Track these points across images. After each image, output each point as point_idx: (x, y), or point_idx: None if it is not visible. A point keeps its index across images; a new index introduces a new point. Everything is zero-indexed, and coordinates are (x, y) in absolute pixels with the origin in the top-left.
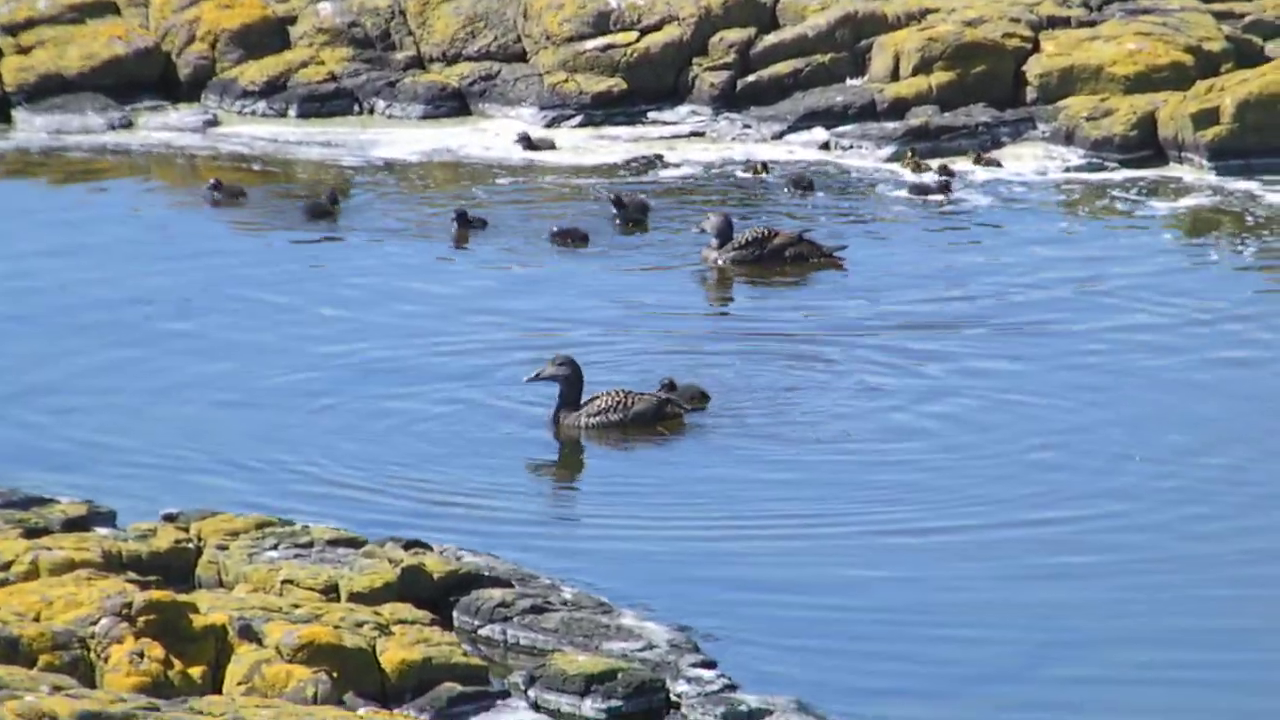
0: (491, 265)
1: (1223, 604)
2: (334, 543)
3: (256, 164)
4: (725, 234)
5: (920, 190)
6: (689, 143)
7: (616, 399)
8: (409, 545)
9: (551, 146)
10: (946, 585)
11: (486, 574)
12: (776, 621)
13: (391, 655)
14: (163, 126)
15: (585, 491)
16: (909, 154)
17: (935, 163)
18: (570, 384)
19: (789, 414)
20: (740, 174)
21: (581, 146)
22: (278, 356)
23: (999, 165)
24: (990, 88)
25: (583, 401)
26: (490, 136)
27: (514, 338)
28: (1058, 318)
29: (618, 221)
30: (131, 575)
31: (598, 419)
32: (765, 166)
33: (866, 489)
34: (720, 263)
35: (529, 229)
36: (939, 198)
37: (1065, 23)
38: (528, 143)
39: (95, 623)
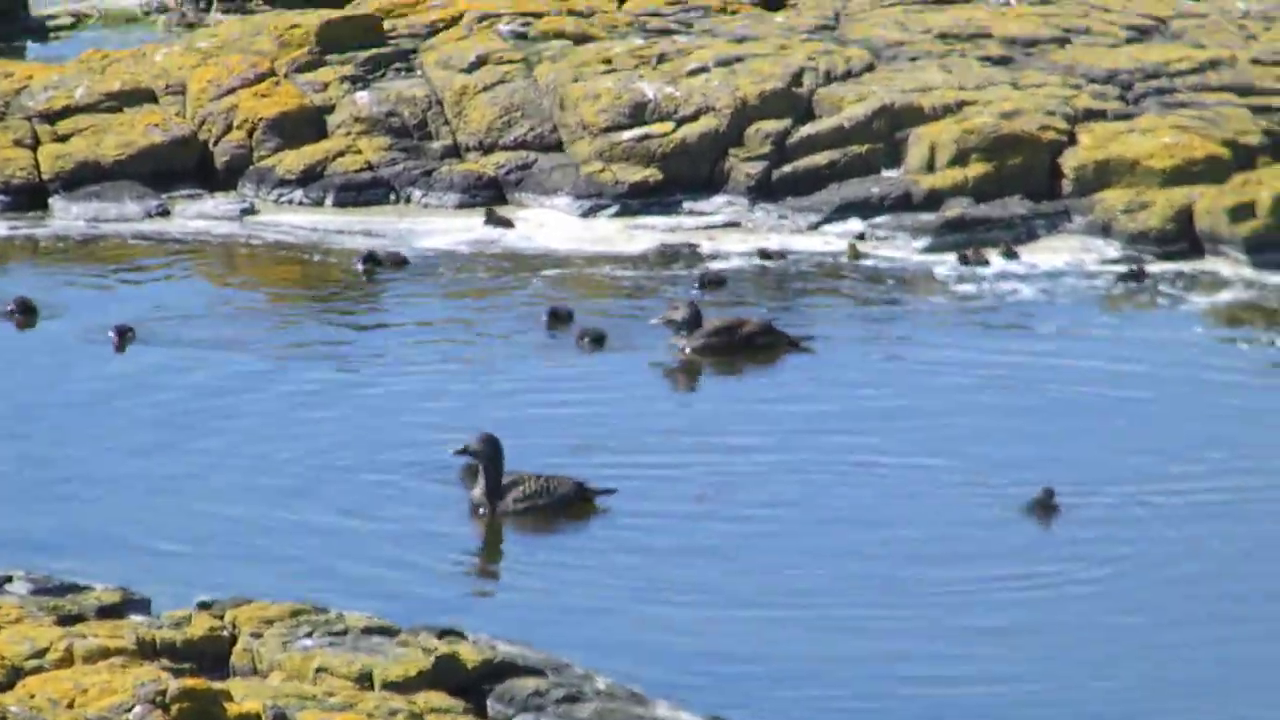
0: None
1: None
2: (368, 630)
3: (305, 252)
4: (695, 323)
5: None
6: (725, 233)
7: (539, 484)
8: (443, 633)
9: (509, 224)
10: (989, 670)
11: (520, 663)
12: (814, 712)
13: None
14: (199, 215)
15: (613, 578)
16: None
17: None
18: (492, 461)
19: (793, 499)
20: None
21: (608, 234)
22: (319, 440)
23: (1015, 256)
24: (1026, 180)
25: (505, 484)
26: (531, 227)
27: (555, 441)
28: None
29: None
30: (165, 663)
31: (524, 505)
32: (774, 255)
33: (892, 573)
34: (688, 350)
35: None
36: (970, 289)
37: (1101, 115)
38: (492, 218)
39: (129, 710)
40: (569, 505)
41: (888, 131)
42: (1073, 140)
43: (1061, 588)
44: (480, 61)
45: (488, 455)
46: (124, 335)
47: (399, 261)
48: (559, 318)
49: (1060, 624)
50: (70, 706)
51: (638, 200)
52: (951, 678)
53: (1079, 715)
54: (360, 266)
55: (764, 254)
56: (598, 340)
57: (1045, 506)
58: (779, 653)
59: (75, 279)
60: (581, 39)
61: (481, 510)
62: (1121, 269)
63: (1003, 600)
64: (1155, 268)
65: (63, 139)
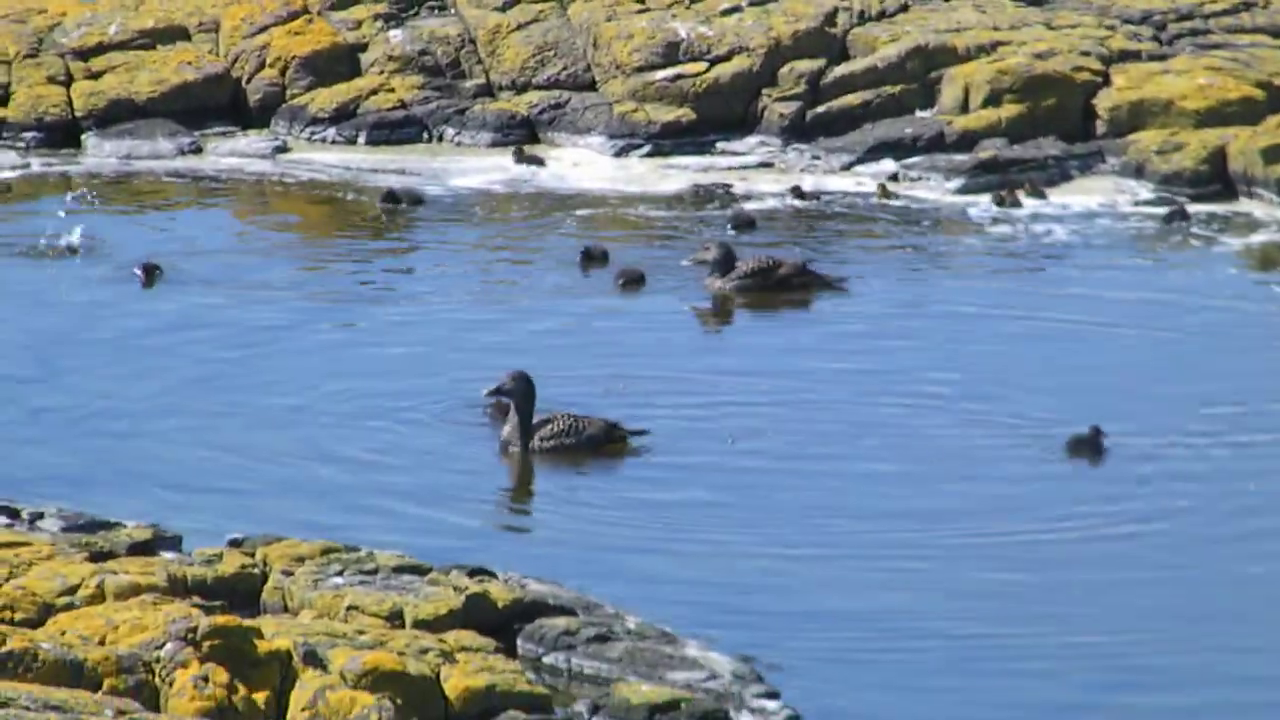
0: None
1: None
2: (399, 569)
3: (338, 190)
4: (728, 264)
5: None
6: (758, 173)
7: (568, 423)
8: (474, 573)
9: (541, 163)
10: (1013, 619)
11: (551, 602)
12: (842, 652)
13: (455, 683)
14: (231, 152)
15: (644, 517)
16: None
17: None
18: (524, 399)
19: (828, 440)
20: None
21: (641, 173)
22: (350, 379)
23: (1043, 197)
24: (1060, 121)
25: (535, 423)
26: (564, 166)
27: (586, 369)
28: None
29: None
30: (197, 600)
31: (551, 443)
32: (808, 195)
33: (923, 516)
34: (725, 290)
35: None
36: (1004, 230)
37: (1136, 56)
38: (522, 156)
39: (160, 647)
40: (600, 445)
41: (921, 72)
42: (1106, 81)
43: (1102, 530)
44: (514, 0)
45: (520, 393)
46: (150, 272)
47: (417, 200)
48: (593, 257)
49: (1108, 567)
50: (101, 643)
51: (670, 140)
52: (980, 620)
53: (1123, 662)
54: (380, 205)
55: (798, 193)
56: (637, 281)
57: (1093, 445)
58: (808, 596)
59: (108, 216)
60: None
61: (512, 448)
62: (1159, 210)
63: (1042, 546)
64: (1190, 209)
65: (95, 76)
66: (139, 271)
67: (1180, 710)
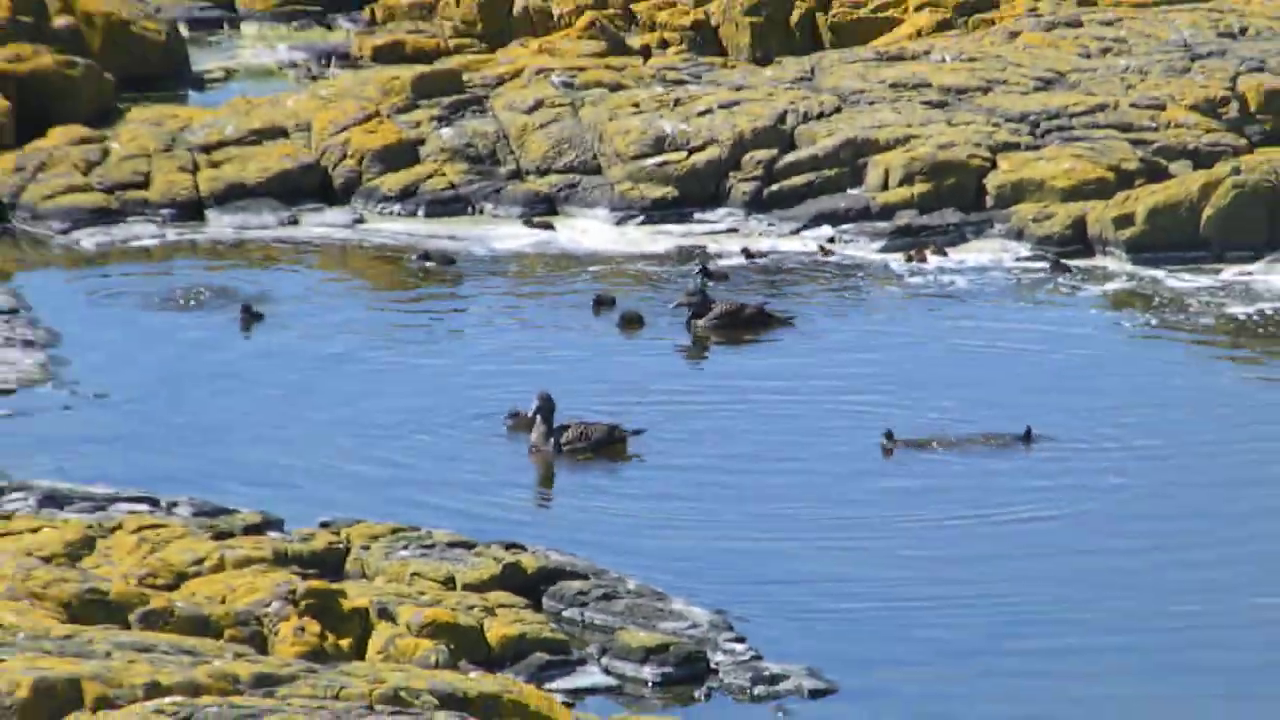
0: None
1: None
2: (451, 544)
3: (401, 253)
4: (704, 307)
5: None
6: (727, 237)
7: (580, 429)
8: (509, 546)
9: (550, 227)
10: (938, 578)
11: (569, 569)
12: (797, 607)
13: (495, 631)
14: (320, 224)
15: (642, 503)
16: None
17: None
18: (548, 411)
19: (788, 440)
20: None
21: (636, 240)
22: (401, 398)
23: (945, 255)
24: (959, 196)
25: (555, 428)
26: (577, 233)
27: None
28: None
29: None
30: (295, 569)
31: (568, 446)
32: (755, 254)
33: (867, 501)
34: (703, 327)
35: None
36: (918, 280)
37: (1016, 147)
38: (531, 222)
39: (268, 605)
40: (606, 445)
41: (852, 159)
42: (994, 165)
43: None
44: (537, 105)
45: (544, 408)
46: (249, 315)
47: (448, 260)
48: (602, 302)
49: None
50: (222, 602)
51: (659, 212)
52: (912, 584)
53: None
54: (414, 263)
55: (747, 253)
56: (636, 321)
57: (1027, 440)
58: (771, 564)
59: (225, 273)
60: (615, 87)
61: (539, 450)
62: (1035, 265)
63: (971, 525)
64: (1063, 262)
65: (216, 165)
66: (240, 315)
67: (1060, 650)
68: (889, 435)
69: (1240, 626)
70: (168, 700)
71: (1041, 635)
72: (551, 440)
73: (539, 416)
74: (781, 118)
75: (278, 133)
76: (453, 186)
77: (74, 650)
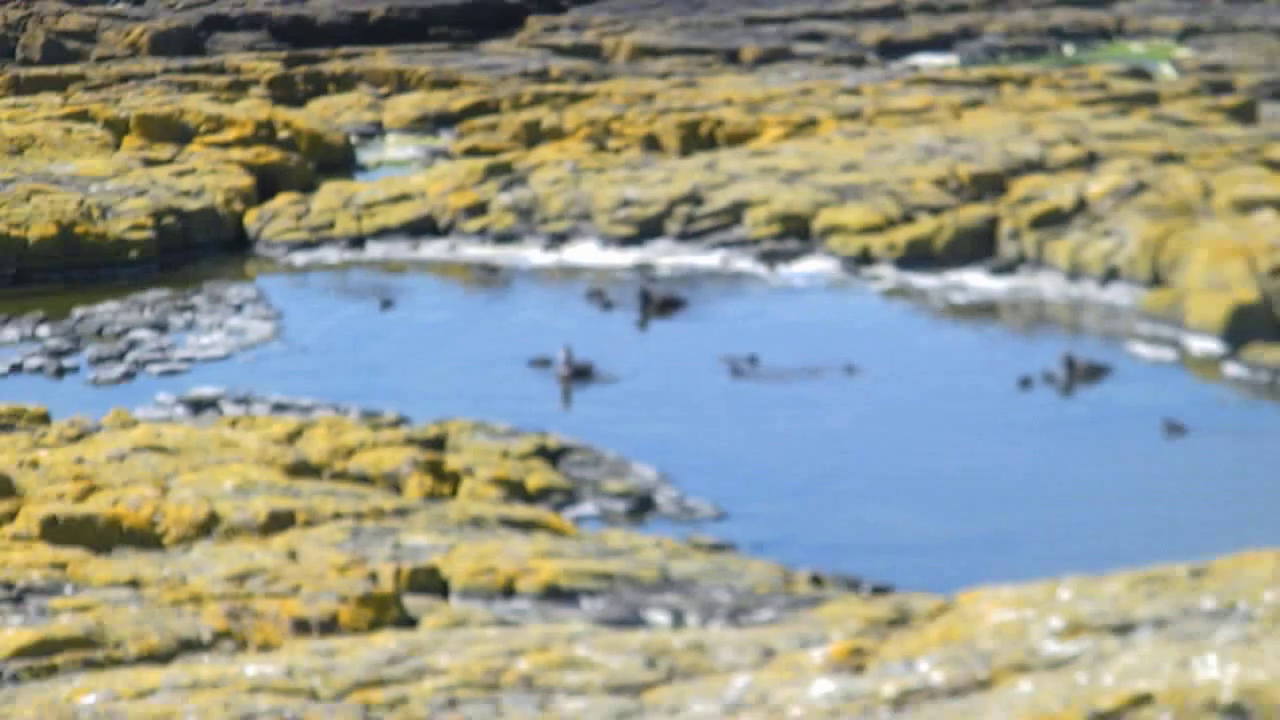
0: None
1: None
2: (508, 433)
3: (480, 269)
4: (647, 299)
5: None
6: (665, 256)
7: (579, 364)
8: (541, 435)
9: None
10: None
11: (575, 447)
12: (711, 470)
13: (531, 482)
14: (431, 250)
15: (633, 409)
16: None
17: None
18: (570, 357)
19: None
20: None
21: (613, 258)
22: (477, 352)
23: (789, 266)
24: (798, 232)
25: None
26: (578, 255)
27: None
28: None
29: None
30: (416, 447)
31: (571, 374)
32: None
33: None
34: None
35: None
36: (775, 281)
37: (830, 203)
38: (549, 249)
39: (401, 468)
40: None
41: (736, 210)
42: (817, 214)
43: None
44: (556, 180)
45: (568, 355)
46: (386, 303)
47: (493, 270)
48: (599, 294)
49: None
50: (376, 466)
51: (626, 242)
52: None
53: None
54: (477, 274)
55: (643, 267)
56: (670, 304)
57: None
58: (714, 459)
59: (375, 278)
60: (600, 170)
61: (561, 377)
62: (844, 272)
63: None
64: (855, 274)
65: (372, 215)
66: (381, 302)
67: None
68: (752, 359)
69: None
70: (346, 523)
71: (981, 520)
72: (572, 373)
73: (564, 360)
74: (696, 187)
75: (407, 197)
76: (506, 228)
77: (291, 492)
